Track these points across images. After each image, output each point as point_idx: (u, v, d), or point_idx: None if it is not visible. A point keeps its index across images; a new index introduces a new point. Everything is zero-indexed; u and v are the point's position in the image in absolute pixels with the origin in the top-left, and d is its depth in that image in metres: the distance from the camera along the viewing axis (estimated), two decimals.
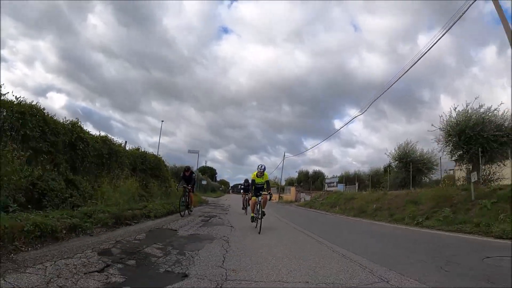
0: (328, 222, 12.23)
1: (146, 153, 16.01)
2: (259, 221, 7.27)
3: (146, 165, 14.53)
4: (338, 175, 39.40)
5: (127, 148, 13.40)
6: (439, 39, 13.81)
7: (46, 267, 2.91)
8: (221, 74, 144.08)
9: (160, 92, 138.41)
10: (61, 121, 8.09)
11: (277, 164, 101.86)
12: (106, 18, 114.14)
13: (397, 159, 19.81)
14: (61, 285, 2.52)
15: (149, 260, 3.67)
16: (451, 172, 19.44)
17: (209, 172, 74.72)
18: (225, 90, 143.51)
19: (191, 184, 10.56)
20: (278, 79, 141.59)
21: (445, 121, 14.67)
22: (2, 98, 6.15)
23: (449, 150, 14.70)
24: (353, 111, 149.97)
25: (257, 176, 8.12)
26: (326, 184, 36.13)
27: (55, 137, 7.18)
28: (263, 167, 8.24)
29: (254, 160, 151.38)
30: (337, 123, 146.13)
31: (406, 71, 16.27)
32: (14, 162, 5.19)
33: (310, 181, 44.56)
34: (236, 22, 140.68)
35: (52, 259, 3.21)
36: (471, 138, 13.49)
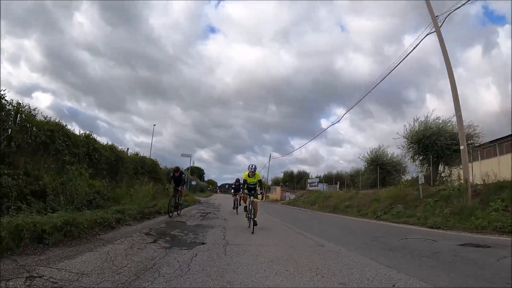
0: (305, 217, 14.34)
1: (144, 157, 17.80)
2: (251, 221, 7.35)
3: (145, 169, 16.33)
4: (323, 174, 42.17)
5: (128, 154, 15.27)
6: (424, 37, 15.81)
7: (123, 241, 4.82)
8: (207, 73, 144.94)
9: (146, 91, 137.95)
10: (78, 133, 9.83)
11: (264, 163, 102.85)
12: (92, 17, 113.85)
13: (369, 162, 22.26)
14: (139, 247, 4.44)
15: (177, 237, 5.62)
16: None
17: (197, 173, 76.01)
18: (211, 90, 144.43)
19: (181, 184, 10.55)
20: (265, 79, 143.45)
21: (408, 130, 17.13)
22: (35, 118, 7.77)
23: (411, 155, 17.14)
24: (339, 111, 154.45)
25: (248, 176, 8.17)
26: (308, 184, 38.60)
27: (76, 149, 8.91)
28: (254, 167, 8.27)
29: (241, 160, 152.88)
30: (324, 123, 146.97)
31: (390, 72, 15.55)
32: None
33: (294, 181, 46.96)
34: (223, 21, 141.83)
35: (121, 238, 5.13)
36: (428, 146, 15.92)
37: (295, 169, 52.11)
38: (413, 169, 20.86)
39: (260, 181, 8.37)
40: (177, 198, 10.08)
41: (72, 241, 4.49)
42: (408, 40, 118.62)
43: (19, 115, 7.01)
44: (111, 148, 11.87)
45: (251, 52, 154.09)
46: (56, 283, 2.65)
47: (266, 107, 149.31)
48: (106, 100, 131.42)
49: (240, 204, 12.76)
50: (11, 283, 2.56)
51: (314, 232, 7.57)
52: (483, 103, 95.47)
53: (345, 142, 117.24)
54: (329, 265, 3.83)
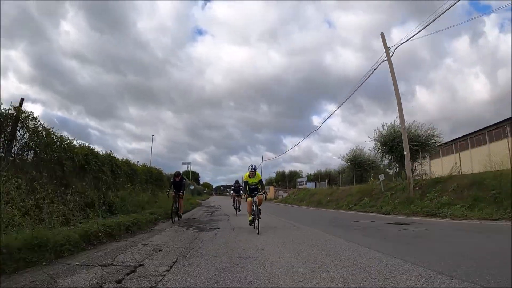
0: (292, 211, 17.19)
1: (151, 167, 20.42)
2: (256, 221, 7.34)
3: (152, 178, 18.97)
4: (314, 172, 45.07)
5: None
6: (379, 65, 19.12)
7: (169, 230, 7.53)
8: (197, 75, 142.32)
9: (136, 96, 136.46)
10: (101, 153, 12.42)
11: (258, 163, 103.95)
12: (79, 24, 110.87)
13: (348, 161, 25.35)
14: (181, 232, 7.18)
15: (200, 226, 8.37)
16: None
17: (193, 176, 77.83)
18: (201, 92, 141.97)
19: (182, 189, 10.54)
20: (255, 78, 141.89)
21: (377, 134, 20.17)
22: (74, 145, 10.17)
23: (379, 156, 20.21)
24: (330, 107, 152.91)
25: (249, 177, 8.08)
26: (298, 183, 41.64)
27: (104, 167, 11.46)
28: (254, 167, 8.22)
29: (234, 161, 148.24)
30: (316, 120, 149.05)
31: (377, 67, 16.50)
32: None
33: (286, 180, 49.96)
34: (211, 22, 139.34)
35: (166, 229, 7.83)
36: (392, 147, 18.98)
37: (289, 167, 55.69)
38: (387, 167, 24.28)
39: (261, 181, 8.27)
40: (177, 203, 10.17)
41: (137, 232, 7.22)
42: (396, 34, 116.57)
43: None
44: (127, 163, 14.44)
45: (239, 53, 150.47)
46: (156, 246, 5.39)
47: (258, 106, 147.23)
48: (96, 107, 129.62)
49: (239, 208, 13.78)
50: (134, 248, 5.24)
51: (295, 219, 10.37)
52: (472, 92, 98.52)
53: (337, 138, 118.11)
54: (299, 236, 6.57)
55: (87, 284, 3.05)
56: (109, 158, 12.33)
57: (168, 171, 24.91)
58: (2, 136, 6.40)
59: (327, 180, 36.94)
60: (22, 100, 6.87)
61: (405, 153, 13.05)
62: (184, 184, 10.95)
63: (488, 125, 26.06)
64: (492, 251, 4.51)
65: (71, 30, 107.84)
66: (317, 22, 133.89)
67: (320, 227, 8.01)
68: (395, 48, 14.21)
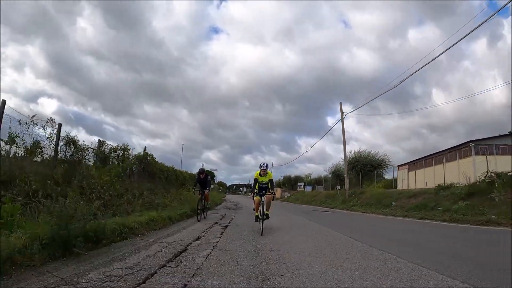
0: (287, 206, 26.58)
1: (181, 171, 30.13)
2: (261, 222, 7.28)
3: (181, 179, 28.73)
4: (315, 177, 54.19)
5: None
6: (336, 123, 28.60)
7: (204, 224, 17.34)
8: (212, 74, 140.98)
9: (151, 94, 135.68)
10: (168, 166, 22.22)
11: (271, 163, 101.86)
12: (95, 21, 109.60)
13: (331, 173, 35.02)
14: (216, 227, 17.01)
15: (232, 208, 18.09)
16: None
17: (210, 176, 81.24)
18: (216, 91, 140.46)
19: (207, 187, 10.41)
20: (270, 78, 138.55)
21: (349, 157, 29.72)
22: (130, 152, 20.17)
23: (348, 172, 29.76)
24: (345, 108, 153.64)
25: (260, 175, 7.78)
26: (298, 186, 51.32)
27: (170, 176, 21.27)
28: (265, 165, 7.85)
29: (248, 160, 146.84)
30: (330, 120, 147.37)
31: (335, 124, 29.23)
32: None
33: (292, 183, 59.53)
34: (226, 21, 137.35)
35: (201, 223, 17.69)
36: (355, 167, 28.54)
37: (303, 167, 64.44)
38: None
39: (271, 180, 7.88)
40: (203, 201, 10.19)
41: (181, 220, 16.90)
42: (412, 34, 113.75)
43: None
44: (172, 168, 23.41)
45: (254, 52, 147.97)
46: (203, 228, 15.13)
47: (272, 106, 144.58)
48: (111, 104, 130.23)
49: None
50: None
51: (285, 210, 19.65)
52: (490, 96, 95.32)
53: (352, 139, 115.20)
54: (286, 219, 15.68)
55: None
56: (172, 169, 22.21)
57: (183, 168, 28.71)
58: (141, 166, 16.19)
59: (323, 185, 46.40)
60: (145, 147, 16.77)
61: (344, 175, 22.57)
62: (209, 181, 10.73)
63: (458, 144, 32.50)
64: (353, 223, 13.99)
65: (87, 27, 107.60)
66: (332, 21, 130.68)
67: (295, 214, 17.24)
68: (346, 114, 23.58)
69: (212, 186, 20.51)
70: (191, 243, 5.49)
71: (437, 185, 14.62)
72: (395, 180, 31.73)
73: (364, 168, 28.20)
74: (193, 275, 3.41)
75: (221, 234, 7.13)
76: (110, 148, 11.67)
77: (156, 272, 3.43)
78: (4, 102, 5.92)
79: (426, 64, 16.42)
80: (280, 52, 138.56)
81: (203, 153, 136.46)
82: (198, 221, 9.73)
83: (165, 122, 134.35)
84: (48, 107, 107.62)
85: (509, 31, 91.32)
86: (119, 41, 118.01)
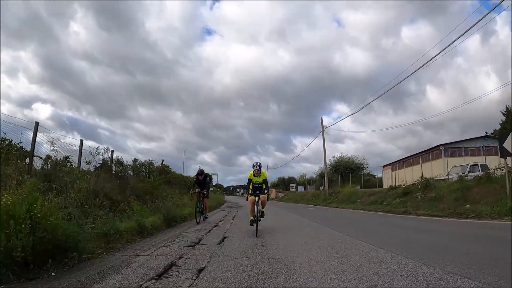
0: (279, 204, 31.15)
1: (187, 176, 34.79)
2: (257, 222, 7.08)
3: (187, 183, 33.37)
4: (307, 178, 59.13)
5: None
6: (314, 138, 33.31)
7: (213, 220, 21.81)
8: (206, 75, 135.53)
9: (145, 96, 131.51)
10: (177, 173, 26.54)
11: (267, 163, 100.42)
12: (88, 24, 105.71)
13: (318, 175, 39.71)
14: (224, 220, 21.46)
15: (234, 207, 22.58)
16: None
17: (208, 177, 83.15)
18: (211, 92, 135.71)
19: (206, 189, 10.02)
20: (264, 78, 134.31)
21: (332, 161, 34.45)
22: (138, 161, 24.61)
23: (331, 174, 34.48)
24: (339, 107, 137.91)
25: (254, 175, 7.56)
26: (290, 187, 56.13)
27: (180, 182, 25.70)
28: (259, 165, 7.60)
29: (244, 161, 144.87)
30: (325, 120, 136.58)
31: (316, 137, 34.99)
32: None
33: (286, 184, 64.25)
34: (219, 22, 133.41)
35: (210, 219, 22.16)
36: (337, 170, 33.23)
37: (299, 167, 69.36)
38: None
39: (266, 180, 7.69)
40: (202, 203, 9.85)
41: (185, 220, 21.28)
42: (405, 32, 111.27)
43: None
44: (181, 175, 28.01)
45: (248, 52, 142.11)
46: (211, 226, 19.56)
47: (267, 106, 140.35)
48: (106, 108, 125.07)
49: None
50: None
51: (277, 207, 24.21)
52: (484, 91, 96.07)
53: (347, 138, 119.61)
54: (280, 214, 20.48)
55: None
56: (181, 175, 26.68)
57: (178, 171, 29.44)
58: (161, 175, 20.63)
59: (314, 185, 51.15)
60: (162, 160, 21.27)
61: (325, 178, 27.18)
62: (208, 183, 10.46)
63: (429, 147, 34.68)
64: (324, 214, 18.48)
65: (80, 30, 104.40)
66: (325, 21, 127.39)
67: (284, 210, 21.72)
68: (327, 127, 28.16)
69: (211, 189, 20.37)
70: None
71: (389, 186, 19.26)
72: (381, 179, 36.48)
73: (345, 171, 32.85)
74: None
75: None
76: (140, 163, 15.55)
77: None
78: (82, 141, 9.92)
79: (424, 65, 16.60)
80: (274, 52, 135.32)
81: (198, 155, 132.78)
82: (197, 223, 9.40)
83: (160, 124, 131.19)
84: (42, 112, 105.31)
85: (502, 27, 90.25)
86: (112, 44, 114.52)
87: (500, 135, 16.11)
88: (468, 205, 10.99)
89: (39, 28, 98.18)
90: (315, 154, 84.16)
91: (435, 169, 25.72)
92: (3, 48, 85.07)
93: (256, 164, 7.64)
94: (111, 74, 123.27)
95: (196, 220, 9.63)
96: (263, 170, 7.79)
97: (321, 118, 28.32)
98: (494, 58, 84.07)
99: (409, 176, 27.81)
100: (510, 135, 10.58)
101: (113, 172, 11.17)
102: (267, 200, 7.93)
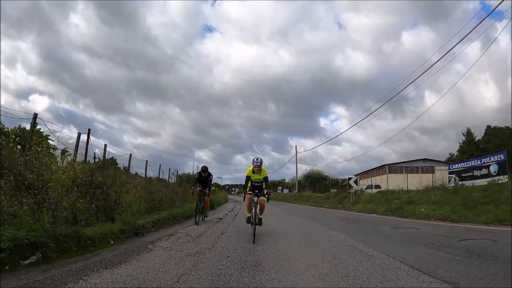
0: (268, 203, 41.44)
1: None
2: (255, 226, 6.13)
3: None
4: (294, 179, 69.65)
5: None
6: (291, 158, 43.56)
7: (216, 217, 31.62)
8: (205, 73, 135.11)
9: (144, 92, 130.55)
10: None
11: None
12: (88, 17, 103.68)
13: (303, 179, 50.54)
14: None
15: (239, 203, 32.54)
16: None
17: (212, 175, 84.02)
18: (210, 89, 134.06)
19: (208, 187, 9.22)
20: (264, 77, 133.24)
21: (304, 173, 45.32)
22: None
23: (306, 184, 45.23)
24: (338, 109, 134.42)
25: (253, 172, 6.67)
26: (278, 189, 66.61)
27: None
28: (259, 161, 6.63)
29: (240, 160, 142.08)
30: (323, 121, 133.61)
31: (292, 158, 41.93)
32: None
33: (275, 186, 74.58)
34: (220, 20, 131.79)
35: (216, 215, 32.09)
36: (307, 179, 44.09)
37: (294, 168, 75.27)
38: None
39: (266, 178, 6.78)
40: (202, 202, 9.06)
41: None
42: (406, 37, 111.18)
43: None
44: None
45: (249, 51, 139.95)
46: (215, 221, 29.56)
47: (266, 106, 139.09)
48: (104, 101, 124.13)
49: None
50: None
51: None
52: (482, 99, 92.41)
53: (344, 140, 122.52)
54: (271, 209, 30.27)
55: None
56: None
57: (174, 167, 31.94)
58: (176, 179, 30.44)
59: (301, 188, 61.73)
60: (177, 171, 31.33)
61: (296, 186, 37.60)
62: (210, 181, 9.65)
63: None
64: (289, 207, 28.50)
65: (80, 22, 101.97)
66: (328, 23, 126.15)
67: (268, 205, 31.84)
68: (301, 151, 38.60)
69: (213, 188, 19.06)
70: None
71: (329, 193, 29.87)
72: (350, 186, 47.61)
73: (313, 180, 44.53)
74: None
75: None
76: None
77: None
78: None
79: (426, 71, 19.87)
80: (275, 52, 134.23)
81: (194, 152, 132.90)
82: (196, 224, 8.72)
83: (157, 120, 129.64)
84: (39, 104, 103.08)
85: (502, 34, 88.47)
86: (112, 37, 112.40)
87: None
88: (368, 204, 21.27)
89: (39, 18, 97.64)
90: (311, 155, 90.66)
91: (379, 182, 35.54)
92: (3, 37, 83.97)
93: (257, 159, 6.67)
94: (110, 68, 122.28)
95: (196, 220, 8.82)
96: (263, 167, 6.76)
97: (296, 146, 38.52)
98: (494, 66, 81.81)
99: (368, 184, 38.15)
100: None
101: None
102: (267, 201, 6.86)
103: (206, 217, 9.82)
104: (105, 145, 11.32)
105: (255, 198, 6.56)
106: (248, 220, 6.71)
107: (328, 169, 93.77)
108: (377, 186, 27.58)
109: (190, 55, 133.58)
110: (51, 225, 4.46)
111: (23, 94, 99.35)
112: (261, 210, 6.82)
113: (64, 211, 5.19)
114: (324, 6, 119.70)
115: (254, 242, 5.82)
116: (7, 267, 3.56)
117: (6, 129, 7.18)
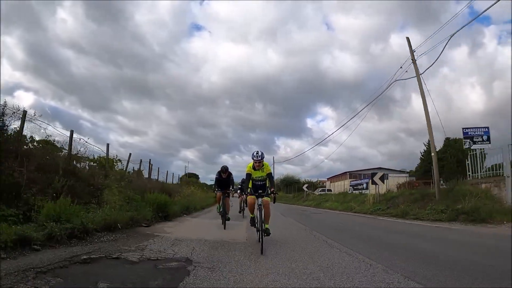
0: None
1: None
2: (260, 232, 5.11)
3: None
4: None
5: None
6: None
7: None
8: (193, 72, 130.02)
9: (130, 90, 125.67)
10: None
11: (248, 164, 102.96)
12: (76, 13, 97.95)
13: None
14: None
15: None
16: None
17: (194, 178, 78.96)
18: (197, 88, 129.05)
19: (230, 188, 8.62)
20: (251, 77, 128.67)
21: (282, 177, 56.70)
22: None
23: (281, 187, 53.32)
24: (325, 110, 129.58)
25: (254, 168, 5.67)
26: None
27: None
28: (260, 155, 5.54)
29: (226, 160, 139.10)
30: (309, 122, 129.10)
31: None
32: None
33: None
34: (209, 19, 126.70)
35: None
36: (282, 182, 52.93)
37: (281, 168, 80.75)
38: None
39: (270, 174, 5.78)
40: (224, 205, 8.27)
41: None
42: (394, 39, 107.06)
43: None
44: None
45: (237, 50, 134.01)
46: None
47: (253, 106, 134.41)
48: (90, 99, 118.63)
49: (246, 206, 8.74)
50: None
51: None
52: (468, 103, 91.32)
53: (330, 141, 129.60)
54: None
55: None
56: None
57: (161, 167, 31.58)
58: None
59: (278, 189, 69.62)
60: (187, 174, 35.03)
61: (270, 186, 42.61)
62: (232, 181, 8.84)
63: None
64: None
65: (68, 18, 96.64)
66: (316, 23, 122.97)
67: None
68: (280, 162, 45.03)
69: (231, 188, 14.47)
70: None
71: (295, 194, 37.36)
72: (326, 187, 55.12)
73: (288, 183, 57.10)
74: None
75: None
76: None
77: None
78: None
79: (421, 74, 16.16)
80: (263, 51, 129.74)
81: (180, 151, 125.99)
82: (225, 229, 7.82)
83: (144, 119, 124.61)
84: (24, 100, 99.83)
85: (490, 40, 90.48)
86: (100, 35, 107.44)
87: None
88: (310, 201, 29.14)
89: (26, 13, 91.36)
90: (298, 156, 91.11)
91: (341, 187, 39.98)
92: None
93: (257, 153, 5.54)
94: (97, 65, 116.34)
95: (224, 225, 8.19)
96: (265, 161, 5.72)
97: (273, 157, 45.82)
98: (480, 70, 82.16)
99: (339, 187, 45.05)
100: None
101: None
102: (274, 203, 5.65)
103: (228, 220, 8.59)
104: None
105: (258, 200, 5.43)
106: (252, 222, 5.76)
107: (314, 170, 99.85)
108: (329, 190, 39.59)
109: (178, 54, 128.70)
110: (120, 211, 7.51)
111: (8, 90, 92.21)
112: (267, 217, 5.49)
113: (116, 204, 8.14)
114: (313, 6, 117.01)
115: (262, 254, 4.76)
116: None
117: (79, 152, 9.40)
